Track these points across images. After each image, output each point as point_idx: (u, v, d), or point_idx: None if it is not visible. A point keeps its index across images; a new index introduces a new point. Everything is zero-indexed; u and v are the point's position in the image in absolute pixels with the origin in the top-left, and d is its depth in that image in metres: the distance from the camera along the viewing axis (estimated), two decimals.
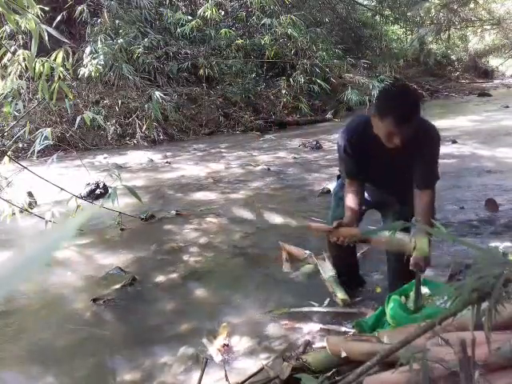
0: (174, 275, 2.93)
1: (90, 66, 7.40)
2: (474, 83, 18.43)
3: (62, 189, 2.93)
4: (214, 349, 2.09)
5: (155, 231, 3.79)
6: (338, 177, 2.51)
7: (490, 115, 9.62)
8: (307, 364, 1.74)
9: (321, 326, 2.23)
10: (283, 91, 10.26)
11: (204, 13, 8.80)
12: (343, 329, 2.18)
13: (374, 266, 2.83)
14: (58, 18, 5.76)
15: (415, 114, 1.87)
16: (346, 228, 2.04)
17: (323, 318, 2.33)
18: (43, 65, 2.56)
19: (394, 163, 2.03)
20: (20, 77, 2.99)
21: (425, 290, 1.96)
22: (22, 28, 2.49)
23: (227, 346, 2.11)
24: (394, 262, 2.29)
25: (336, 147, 2.25)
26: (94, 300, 2.61)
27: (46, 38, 2.41)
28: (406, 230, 1.91)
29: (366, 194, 2.29)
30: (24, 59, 2.62)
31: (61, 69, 2.67)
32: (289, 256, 3.05)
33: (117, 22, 8.61)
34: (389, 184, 2.20)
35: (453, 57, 20.02)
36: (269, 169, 5.84)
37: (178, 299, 2.64)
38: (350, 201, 2.16)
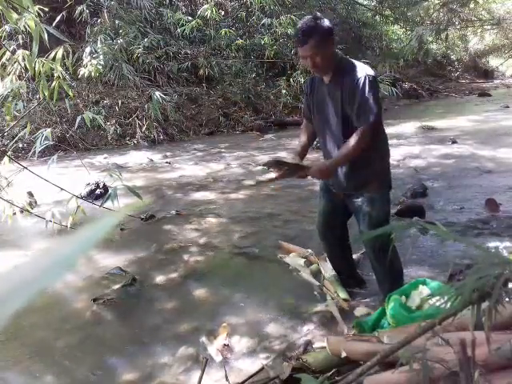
0: (174, 275, 2.93)
1: (89, 66, 7.39)
2: (474, 83, 18.43)
3: (62, 189, 2.93)
4: (213, 349, 2.09)
5: (155, 231, 3.79)
6: None
7: (489, 115, 9.61)
8: (307, 364, 1.74)
9: (321, 326, 2.23)
10: (283, 91, 10.26)
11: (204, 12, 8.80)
12: (343, 329, 2.17)
13: None
14: (58, 17, 5.75)
15: (308, 37, 2.01)
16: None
17: (323, 318, 2.33)
18: (43, 64, 2.56)
19: (328, 104, 2.17)
20: (20, 77, 2.98)
21: (425, 290, 1.96)
22: (22, 28, 2.48)
23: (227, 345, 2.11)
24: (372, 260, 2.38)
25: None
26: (94, 300, 2.61)
27: (46, 37, 2.41)
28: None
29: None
30: (23, 59, 2.61)
31: (60, 68, 2.66)
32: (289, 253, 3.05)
33: (117, 22, 8.61)
34: (327, 133, 2.27)
35: (453, 57, 20.02)
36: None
37: (178, 299, 2.64)
38: (301, 135, 2.42)
